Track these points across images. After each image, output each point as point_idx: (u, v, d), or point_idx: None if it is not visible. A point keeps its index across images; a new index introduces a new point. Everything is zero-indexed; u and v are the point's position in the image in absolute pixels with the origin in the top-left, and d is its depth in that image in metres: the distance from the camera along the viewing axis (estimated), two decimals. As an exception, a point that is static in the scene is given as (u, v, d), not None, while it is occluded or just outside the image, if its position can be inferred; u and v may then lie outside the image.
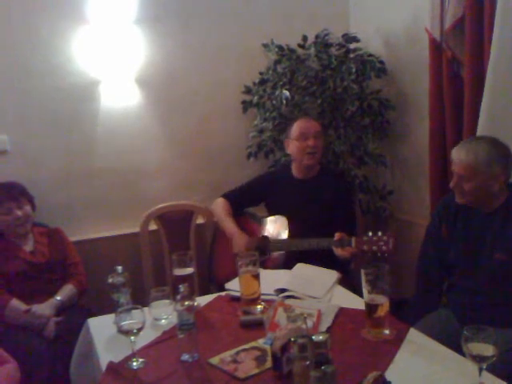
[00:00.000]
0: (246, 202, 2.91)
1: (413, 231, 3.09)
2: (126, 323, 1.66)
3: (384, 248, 2.18)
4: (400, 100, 3.31)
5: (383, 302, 1.74)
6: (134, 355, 1.67)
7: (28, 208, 2.69)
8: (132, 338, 1.65)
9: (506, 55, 2.27)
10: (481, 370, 1.37)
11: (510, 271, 2.01)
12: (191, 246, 3.18)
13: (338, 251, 2.35)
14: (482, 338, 1.37)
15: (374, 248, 2.20)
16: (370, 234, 2.25)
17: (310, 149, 2.68)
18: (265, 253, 2.60)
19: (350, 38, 3.25)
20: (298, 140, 2.70)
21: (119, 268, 1.98)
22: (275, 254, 2.60)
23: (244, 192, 2.91)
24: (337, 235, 2.35)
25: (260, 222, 2.79)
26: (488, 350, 1.35)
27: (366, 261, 2.21)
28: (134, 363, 1.65)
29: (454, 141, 2.65)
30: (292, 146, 2.75)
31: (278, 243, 2.61)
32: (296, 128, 2.74)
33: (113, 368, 1.63)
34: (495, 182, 2.01)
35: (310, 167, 2.74)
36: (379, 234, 2.22)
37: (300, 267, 2.32)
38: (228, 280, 2.26)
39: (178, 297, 1.70)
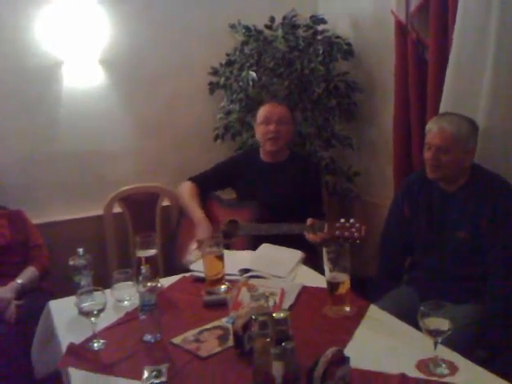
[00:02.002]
0: (213, 185, 2.86)
1: (378, 212, 3.10)
2: (87, 305, 1.64)
3: (356, 235, 2.17)
4: (367, 82, 3.32)
5: (344, 280, 1.75)
6: (94, 336, 1.65)
7: None
8: (93, 319, 1.63)
9: (469, 38, 2.29)
10: (436, 343, 1.39)
11: (470, 249, 2.06)
12: (156, 229, 3.17)
13: (309, 236, 2.34)
14: (438, 312, 1.39)
15: (346, 234, 2.19)
16: (343, 220, 2.23)
17: (271, 134, 2.66)
18: (231, 236, 2.59)
19: (317, 20, 3.25)
20: (261, 124, 2.69)
21: (80, 250, 1.95)
22: (240, 238, 2.58)
23: (212, 175, 2.86)
24: (309, 221, 2.34)
25: (227, 206, 2.77)
26: (444, 324, 1.38)
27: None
28: (95, 344, 1.64)
29: (418, 123, 2.69)
30: (257, 131, 2.74)
31: (248, 227, 2.58)
32: (261, 112, 2.72)
33: (73, 349, 1.60)
34: (468, 158, 2.06)
35: (273, 152, 2.73)
36: (351, 220, 2.22)
37: (264, 247, 2.33)
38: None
39: (140, 278, 1.69)
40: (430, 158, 2.07)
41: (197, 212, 2.69)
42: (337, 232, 2.22)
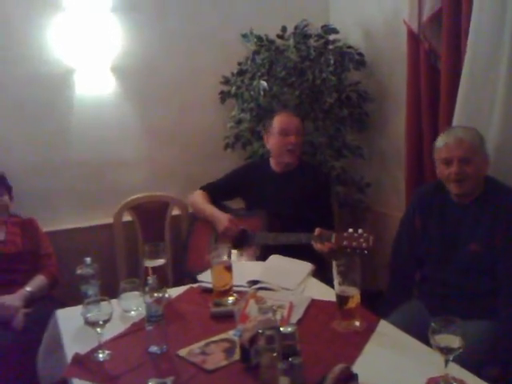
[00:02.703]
0: (224, 195, 2.87)
1: (389, 223, 3.08)
2: (93, 315, 1.63)
3: (364, 245, 2.15)
4: (378, 92, 3.30)
5: (354, 294, 1.73)
6: (100, 347, 1.64)
7: (6, 198, 2.65)
8: (98, 329, 1.62)
9: (483, 48, 2.27)
10: (447, 361, 1.36)
11: (483, 263, 2.02)
12: (166, 238, 3.15)
13: (317, 246, 2.32)
14: (449, 329, 1.36)
15: (354, 244, 2.17)
16: (351, 230, 2.22)
17: (291, 146, 2.64)
18: (242, 246, 2.57)
19: (329, 30, 3.24)
20: (279, 135, 2.66)
21: (88, 259, 1.94)
22: (249, 247, 2.57)
23: (222, 185, 2.87)
24: (317, 230, 2.32)
25: (236, 215, 2.76)
26: (455, 341, 1.35)
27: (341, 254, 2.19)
28: (100, 355, 1.62)
29: (430, 133, 2.66)
30: (272, 142, 2.71)
31: (256, 237, 2.57)
32: (277, 123, 2.69)
33: (78, 359, 1.59)
34: (486, 166, 2.05)
35: (288, 163, 2.72)
36: (359, 231, 2.20)
37: (273, 259, 2.31)
38: (202, 272, 2.24)
39: (147, 288, 1.68)
40: (454, 172, 2.00)
41: (212, 210, 2.71)
42: (344, 242, 2.20)
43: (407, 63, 2.79)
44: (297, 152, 2.70)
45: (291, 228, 2.47)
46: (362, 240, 2.16)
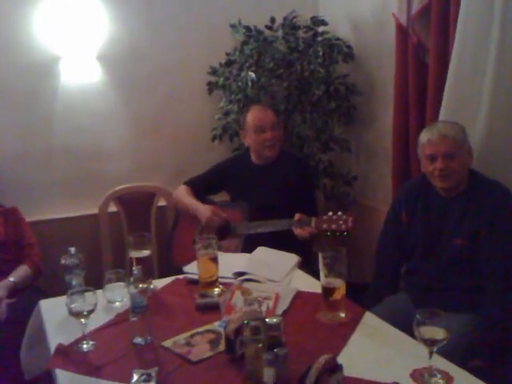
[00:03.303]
0: (207, 189, 2.87)
1: (376, 217, 3.10)
2: (77, 305, 1.61)
3: (343, 227, 2.17)
4: (366, 85, 3.30)
5: (340, 286, 1.73)
6: (84, 338, 1.63)
7: None
8: (82, 320, 1.61)
9: (471, 43, 2.27)
10: (431, 353, 1.37)
11: (468, 256, 2.03)
12: (152, 229, 3.14)
13: (297, 231, 2.35)
14: (433, 321, 1.37)
15: (333, 226, 2.19)
16: (330, 213, 2.24)
17: (269, 142, 2.63)
18: (225, 236, 2.57)
19: (318, 21, 3.23)
20: (255, 133, 2.64)
21: (72, 249, 1.92)
22: (232, 239, 2.57)
23: (205, 180, 2.86)
24: (297, 215, 2.35)
25: (218, 207, 2.76)
26: (439, 333, 1.35)
27: (326, 243, 2.20)
28: (84, 346, 1.61)
29: (417, 127, 2.66)
30: (249, 139, 2.70)
31: (239, 226, 2.59)
32: (251, 120, 2.66)
33: (62, 350, 1.58)
34: (471, 159, 2.06)
35: (269, 157, 2.71)
36: (339, 213, 2.22)
37: (260, 250, 2.30)
38: (187, 263, 2.23)
39: (132, 279, 1.66)
40: (439, 168, 2.00)
41: (193, 202, 2.71)
42: (324, 225, 2.22)
43: (395, 57, 2.79)
44: (276, 146, 2.67)
45: (275, 219, 2.47)
46: (341, 222, 2.18)
